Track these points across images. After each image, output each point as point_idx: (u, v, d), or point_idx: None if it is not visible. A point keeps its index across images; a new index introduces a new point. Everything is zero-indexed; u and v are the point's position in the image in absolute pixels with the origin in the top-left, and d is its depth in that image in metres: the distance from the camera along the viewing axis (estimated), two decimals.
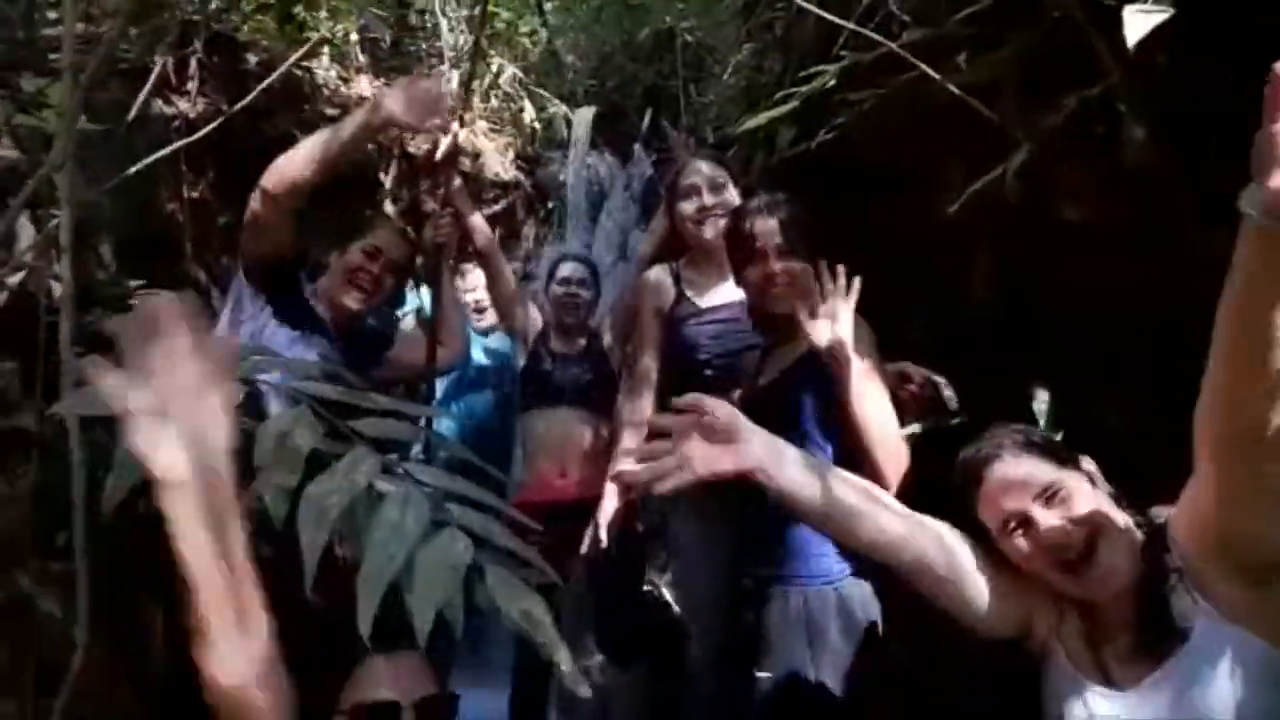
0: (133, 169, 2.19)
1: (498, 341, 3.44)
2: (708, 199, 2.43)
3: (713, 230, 2.44)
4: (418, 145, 4.22)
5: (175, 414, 0.94)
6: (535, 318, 3.16)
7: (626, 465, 2.30)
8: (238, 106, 2.71)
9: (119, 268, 2.89)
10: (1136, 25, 1.43)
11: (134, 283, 2.29)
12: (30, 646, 1.63)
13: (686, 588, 2.38)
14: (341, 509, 1.08)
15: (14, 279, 1.78)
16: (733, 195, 2.47)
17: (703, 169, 2.47)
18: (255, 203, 2.12)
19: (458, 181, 2.72)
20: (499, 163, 4.45)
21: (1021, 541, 1.35)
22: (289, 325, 2.19)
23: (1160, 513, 1.34)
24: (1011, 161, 1.94)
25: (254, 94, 2.76)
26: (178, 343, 0.96)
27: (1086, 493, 1.34)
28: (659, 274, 2.56)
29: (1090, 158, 1.95)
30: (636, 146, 4.72)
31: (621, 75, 6.04)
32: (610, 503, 2.33)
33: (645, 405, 2.43)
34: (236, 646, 0.92)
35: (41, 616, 1.68)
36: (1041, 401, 1.89)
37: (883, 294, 2.58)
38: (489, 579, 1.06)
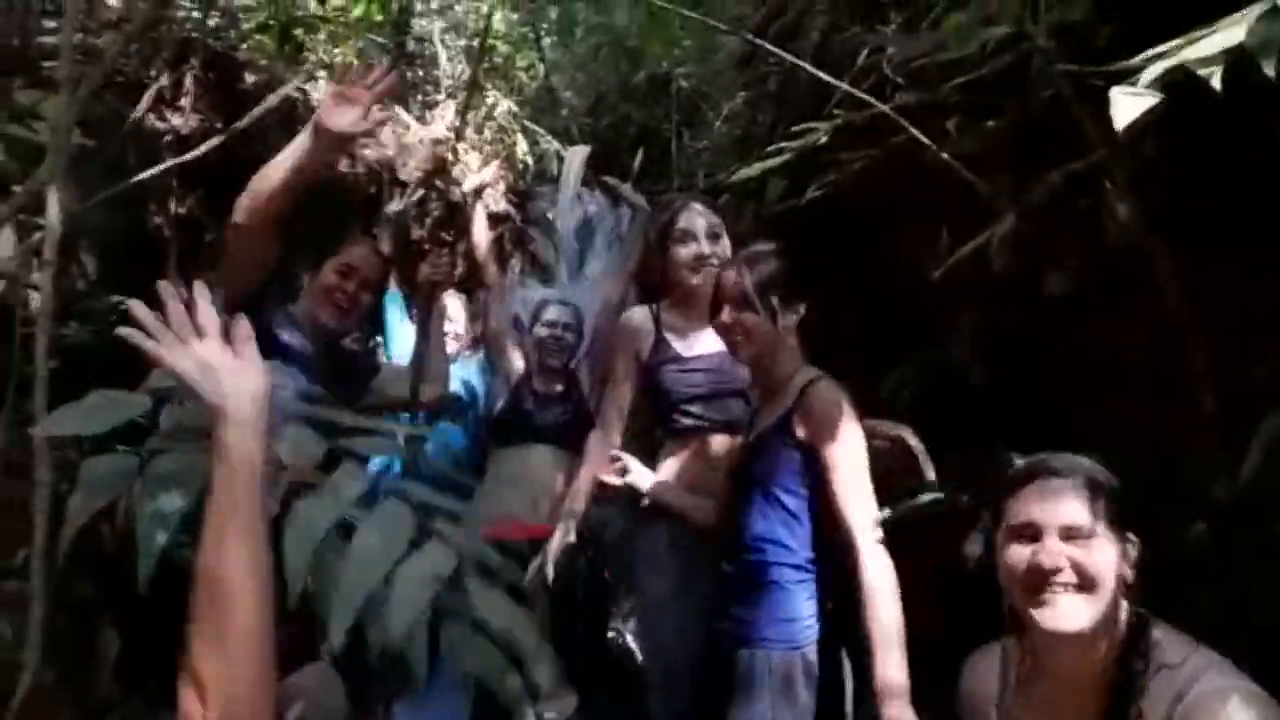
0: (124, 184, 2.17)
1: (463, 370, 3.42)
2: (705, 247, 2.38)
3: (706, 278, 2.44)
4: (409, 172, 4.23)
5: (220, 367, 1.06)
6: (516, 358, 3.17)
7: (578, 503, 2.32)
8: (236, 126, 2.70)
9: (101, 279, 2.86)
10: (1124, 109, 1.45)
11: (114, 298, 2.26)
12: None
13: (654, 638, 2.35)
14: (329, 528, 1.07)
15: None
16: (727, 245, 2.45)
17: (701, 215, 2.42)
18: (231, 234, 2.11)
19: (481, 222, 2.68)
20: (490, 195, 4.46)
21: (1019, 549, 1.32)
22: (265, 353, 2.16)
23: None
24: (996, 231, 1.98)
25: (252, 115, 2.75)
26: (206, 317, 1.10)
27: (1108, 560, 1.30)
28: (640, 317, 2.52)
29: (1074, 231, 1.98)
30: (627, 186, 4.75)
31: (615, 115, 6.10)
32: (560, 535, 2.31)
33: (611, 443, 2.41)
34: (254, 589, 0.93)
35: None
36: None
37: (868, 350, 2.61)
38: (470, 589, 1.05)
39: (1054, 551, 1.29)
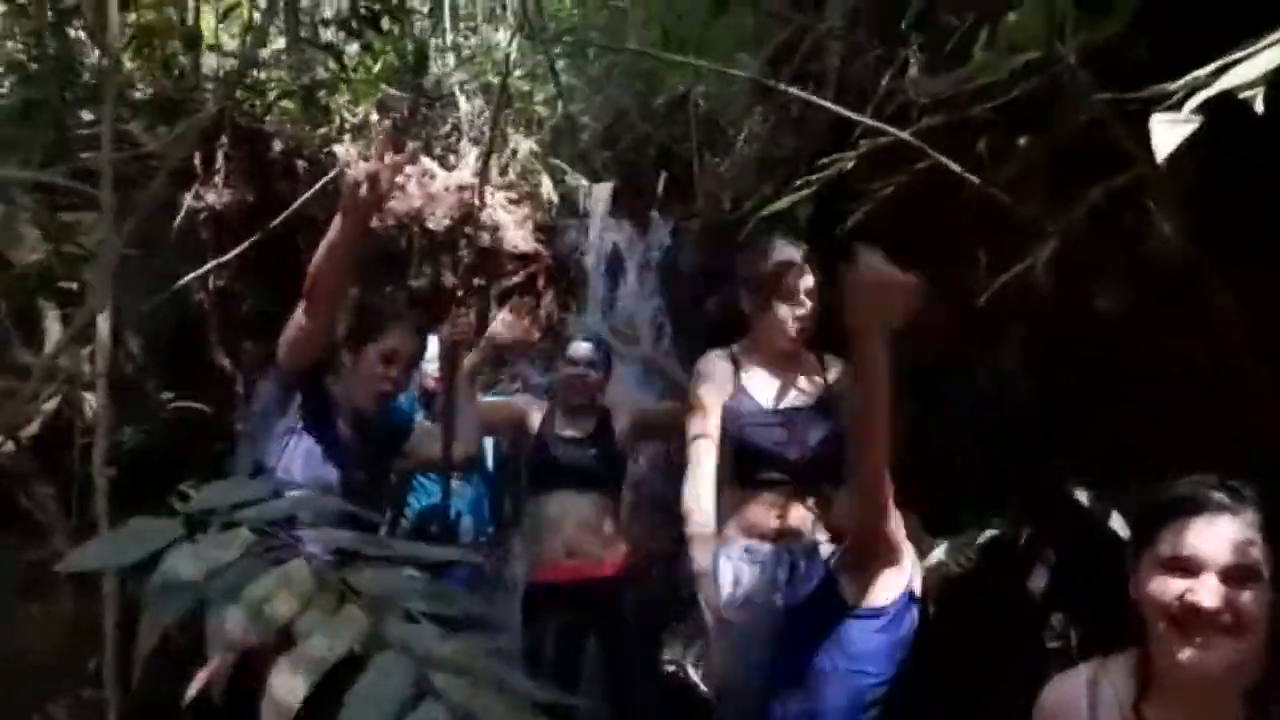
0: (179, 283, 2.21)
1: None
2: (803, 310, 2.35)
3: (792, 343, 2.38)
4: (438, 221, 4.27)
5: None
6: (529, 406, 3.17)
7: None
8: (283, 214, 2.72)
9: (145, 359, 2.92)
10: (1165, 136, 1.41)
11: (165, 394, 2.30)
12: None
13: (725, 675, 2.31)
14: (309, 688, 1.03)
15: (49, 405, 1.79)
16: (818, 306, 2.38)
17: (808, 272, 2.38)
18: (300, 315, 2.14)
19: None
20: (518, 235, 4.49)
21: (1171, 582, 1.24)
22: (315, 432, 2.19)
23: None
24: (1040, 254, 1.93)
25: (300, 201, 2.78)
26: None
27: (1266, 602, 1.22)
28: (721, 363, 2.45)
29: (1119, 248, 1.94)
30: (653, 214, 4.75)
31: (634, 135, 6.10)
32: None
33: (707, 503, 2.31)
34: None
35: None
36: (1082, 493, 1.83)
37: (912, 379, 2.56)
38: None
39: (1214, 591, 1.21)
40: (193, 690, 1.02)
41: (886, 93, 2.58)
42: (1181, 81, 1.49)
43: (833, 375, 2.41)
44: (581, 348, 3.15)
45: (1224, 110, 1.45)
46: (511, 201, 4.59)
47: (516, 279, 4.44)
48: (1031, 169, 2.02)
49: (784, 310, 2.34)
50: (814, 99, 2.40)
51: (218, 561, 1.14)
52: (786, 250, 2.43)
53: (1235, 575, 1.21)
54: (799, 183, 2.54)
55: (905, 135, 2.16)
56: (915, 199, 2.46)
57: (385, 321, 2.37)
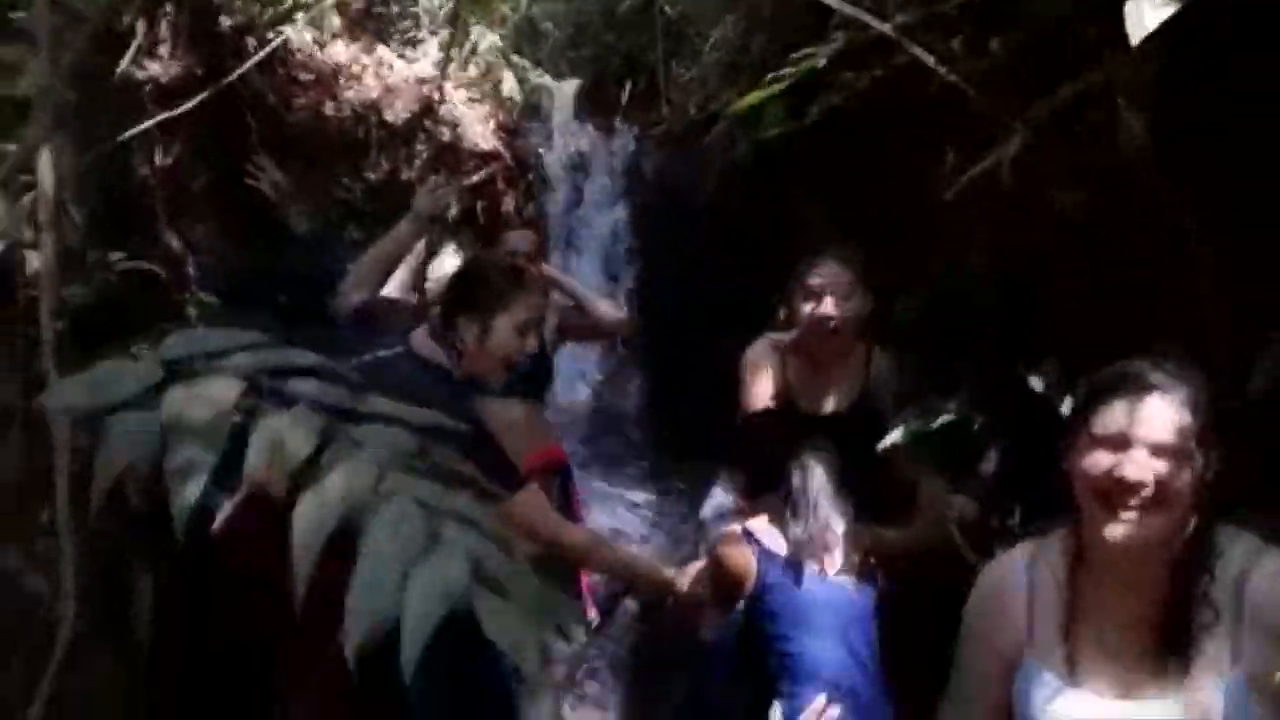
0: (116, 139, 2.12)
1: None
2: (830, 308, 2.27)
3: (831, 344, 2.31)
4: (396, 113, 4.15)
5: None
6: None
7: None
8: (224, 81, 2.62)
9: (91, 234, 2.81)
10: (1139, 21, 1.42)
11: (114, 255, 2.22)
12: (18, 621, 1.60)
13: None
14: (337, 521, 1.04)
15: None
16: (859, 305, 2.30)
17: (834, 271, 2.29)
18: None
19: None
20: (478, 133, 4.38)
21: (1102, 457, 1.26)
22: None
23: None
24: (1005, 149, 1.95)
25: (244, 68, 2.67)
26: None
27: (1190, 477, 1.25)
28: (769, 354, 2.41)
29: (1085, 145, 1.97)
30: (617, 119, 4.67)
31: (599, 45, 5.95)
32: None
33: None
34: None
35: (28, 591, 1.65)
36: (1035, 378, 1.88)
37: (878, 275, 2.60)
38: (482, 608, 1.00)
39: (1141, 465, 1.23)
40: (219, 524, 1.02)
41: None
42: None
43: (876, 371, 2.37)
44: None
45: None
46: (472, 99, 4.47)
47: (476, 178, 4.35)
48: (1002, 64, 2.02)
49: (805, 309, 2.29)
50: None
51: (222, 404, 1.13)
52: (822, 255, 2.36)
53: (1162, 451, 1.24)
54: (769, 78, 2.52)
55: (885, 27, 2.14)
56: (882, 97, 2.47)
57: (512, 289, 2.12)
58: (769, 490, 2.12)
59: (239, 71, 2.70)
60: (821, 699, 1.67)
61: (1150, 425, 1.25)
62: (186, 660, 1.92)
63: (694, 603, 2.07)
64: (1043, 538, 1.42)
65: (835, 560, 2.01)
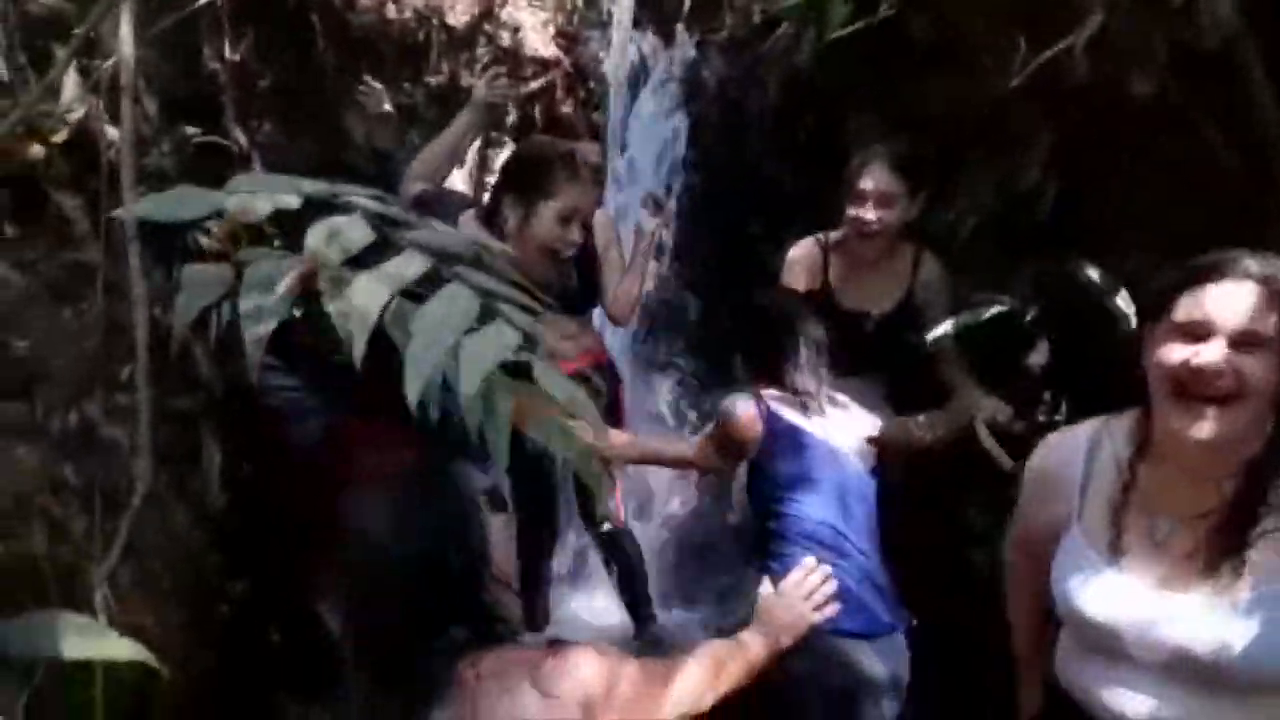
0: (184, 11, 2.16)
1: None
2: (870, 212, 2.25)
3: (868, 249, 2.32)
4: (457, 16, 4.12)
5: None
6: None
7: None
8: None
9: (161, 127, 2.90)
10: None
11: (190, 129, 2.29)
12: (98, 471, 1.71)
13: None
14: (391, 298, 1.07)
15: (74, 116, 1.78)
16: (901, 212, 2.27)
17: (877, 179, 2.26)
18: None
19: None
20: (538, 39, 4.34)
21: (1180, 348, 1.21)
22: None
23: None
24: (1082, 31, 1.88)
25: None
26: None
27: (1269, 372, 1.18)
28: (812, 250, 2.43)
29: (1163, 31, 1.88)
30: (679, 27, 4.57)
31: None
32: None
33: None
34: None
35: (108, 444, 1.76)
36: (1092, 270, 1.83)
37: (933, 179, 2.55)
38: (536, 371, 1.05)
39: (1219, 354, 1.17)
40: (282, 288, 1.07)
41: None
42: None
43: (923, 274, 2.36)
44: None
45: None
46: (533, 3, 4.41)
47: (535, 85, 4.33)
48: None
49: (849, 211, 2.28)
50: None
51: (284, 203, 1.18)
52: (872, 152, 2.33)
53: (1243, 341, 1.17)
54: None
55: None
56: None
57: (560, 175, 2.08)
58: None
59: None
60: (811, 559, 1.60)
61: (1233, 313, 1.18)
62: (251, 519, 2.03)
63: (705, 464, 2.11)
64: (1108, 419, 1.39)
65: (841, 426, 2.00)
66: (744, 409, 1.96)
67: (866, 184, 2.25)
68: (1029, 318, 1.87)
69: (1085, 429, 1.41)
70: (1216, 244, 1.98)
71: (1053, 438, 1.47)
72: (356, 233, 1.10)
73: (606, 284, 2.52)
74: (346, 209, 1.15)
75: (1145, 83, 1.88)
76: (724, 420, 1.99)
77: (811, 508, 1.89)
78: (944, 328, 1.93)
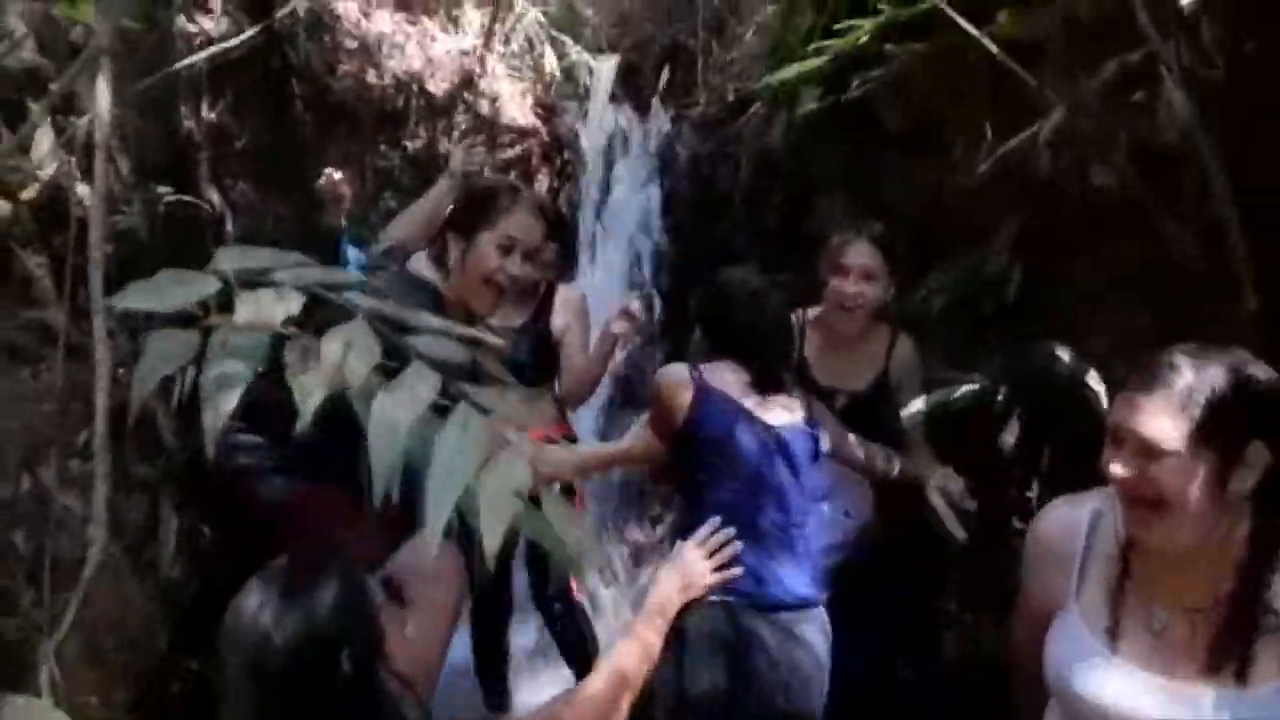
0: (163, 72, 2.16)
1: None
2: (851, 286, 2.27)
3: (849, 323, 2.31)
4: (437, 84, 4.18)
5: None
6: None
7: None
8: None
9: (137, 185, 2.88)
10: None
11: (161, 189, 2.27)
12: (48, 539, 1.64)
13: None
14: (410, 425, 1.07)
15: (44, 173, 1.76)
16: (881, 289, 2.28)
17: (864, 252, 2.28)
18: None
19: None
20: (517, 108, 4.41)
21: (1107, 451, 1.20)
22: None
23: None
24: (1046, 124, 1.95)
25: (284, 10, 2.71)
26: None
27: (1184, 482, 1.14)
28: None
29: (1125, 125, 1.96)
30: (655, 101, 4.68)
31: (640, 34, 5.97)
32: None
33: None
34: None
35: (60, 512, 1.69)
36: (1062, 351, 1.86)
37: (907, 260, 2.60)
38: (546, 505, 1.03)
39: (1125, 462, 1.17)
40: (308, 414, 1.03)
41: None
42: None
43: (898, 355, 2.34)
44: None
45: None
46: (512, 74, 4.50)
47: (512, 152, 4.38)
48: (1045, 40, 2.01)
49: (832, 283, 2.30)
50: None
51: (291, 311, 1.16)
52: (855, 231, 2.36)
53: (1149, 451, 1.15)
54: (810, 49, 2.52)
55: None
56: (921, 76, 2.47)
57: (502, 203, 2.02)
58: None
59: (281, 13, 2.70)
60: (716, 520, 1.57)
61: (1137, 422, 1.16)
62: (207, 592, 1.96)
63: (646, 453, 2.06)
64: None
65: (781, 406, 1.94)
66: (673, 372, 1.94)
67: (851, 259, 2.28)
68: (1000, 397, 1.89)
69: (1091, 499, 1.34)
70: (1177, 328, 2.04)
71: (1057, 505, 1.40)
72: (367, 344, 1.08)
73: (565, 363, 2.51)
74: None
75: (1106, 175, 1.94)
76: (654, 389, 1.96)
77: (735, 492, 1.83)
78: (917, 405, 1.95)
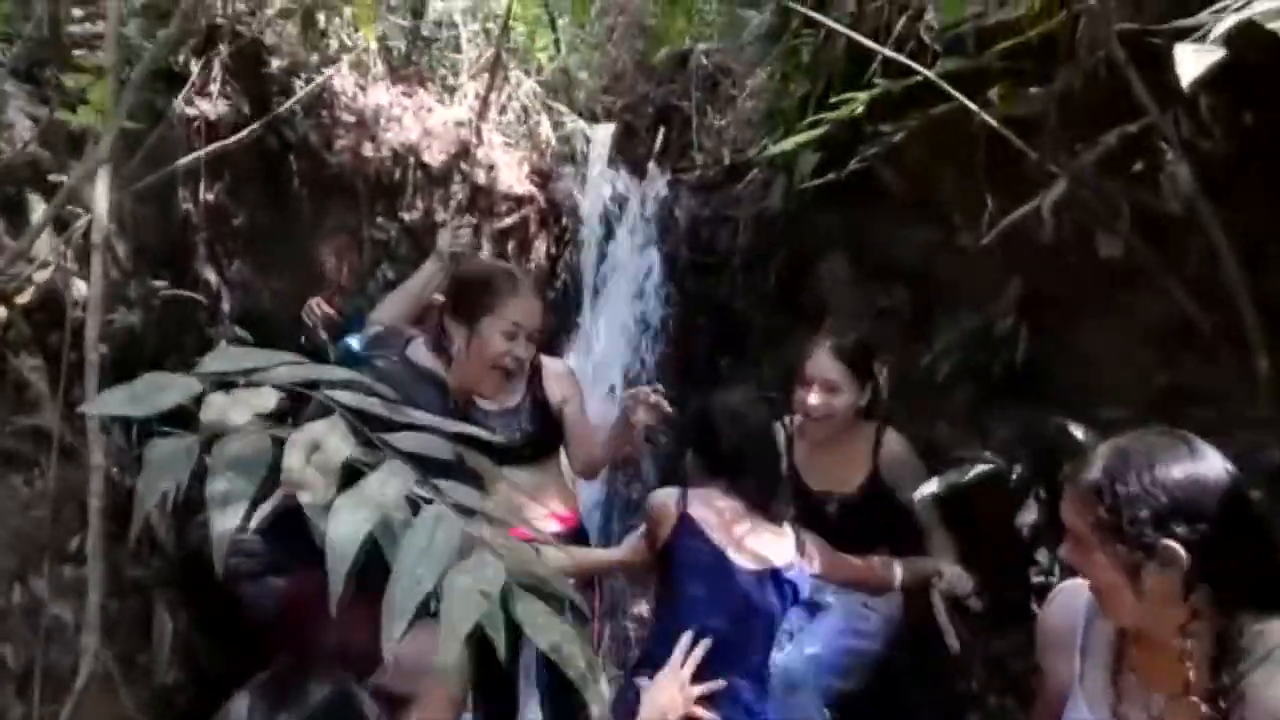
0: (167, 170, 2.16)
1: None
2: (814, 397, 2.28)
3: (817, 431, 2.33)
4: (434, 155, 4.21)
5: None
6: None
7: None
8: (272, 114, 2.68)
9: (134, 266, 2.87)
10: (1189, 65, 1.41)
11: (156, 282, 2.26)
12: (41, 651, 1.59)
13: None
14: (373, 526, 1.03)
15: (41, 276, 1.74)
16: (847, 399, 2.29)
17: (824, 365, 2.30)
18: None
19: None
20: (513, 175, 4.43)
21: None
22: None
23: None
24: (1047, 195, 1.94)
25: (287, 105, 2.73)
26: None
27: (1101, 573, 1.21)
28: (777, 434, 2.33)
29: (1127, 195, 1.95)
30: (651, 165, 4.71)
31: (633, 95, 6.05)
32: None
33: None
34: None
35: (51, 621, 1.64)
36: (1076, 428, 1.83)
37: (906, 326, 2.58)
38: (518, 607, 1.00)
39: (1067, 551, 1.25)
40: (254, 521, 1.01)
41: (898, 39, 2.57)
42: (1208, 12, 1.49)
43: (886, 453, 2.34)
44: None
45: (1244, 50, 1.46)
46: (508, 143, 4.53)
47: (509, 220, 4.40)
48: (1043, 112, 2.01)
49: (797, 392, 2.32)
50: (833, 25, 2.37)
51: (261, 408, 1.13)
52: (820, 342, 2.38)
53: (1071, 538, 1.23)
54: (806, 123, 2.54)
55: (928, 73, 2.15)
56: (919, 147, 2.48)
57: (504, 290, 2.02)
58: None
59: (286, 105, 2.73)
60: (689, 634, 1.59)
61: (1068, 514, 1.24)
62: (202, 698, 1.89)
63: (636, 562, 2.13)
64: None
65: (760, 545, 1.95)
66: (662, 495, 2.01)
67: (811, 370, 2.30)
68: (1015, 476, 1.84)
69: (1085, 586, 1.34)
70: (1194, 391, 2.00)
71: (1060, 590, 1.44)
72: (336, 444, 1.05)
73: (570, 439, 2.49)
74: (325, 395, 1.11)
75: (1112, 245, 1.93)
76: (646, 507, 2.03)
77: (697, 602, 1.87)
78: (930, 487, 1.90)
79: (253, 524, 1.00)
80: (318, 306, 2.96)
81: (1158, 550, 1.14)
